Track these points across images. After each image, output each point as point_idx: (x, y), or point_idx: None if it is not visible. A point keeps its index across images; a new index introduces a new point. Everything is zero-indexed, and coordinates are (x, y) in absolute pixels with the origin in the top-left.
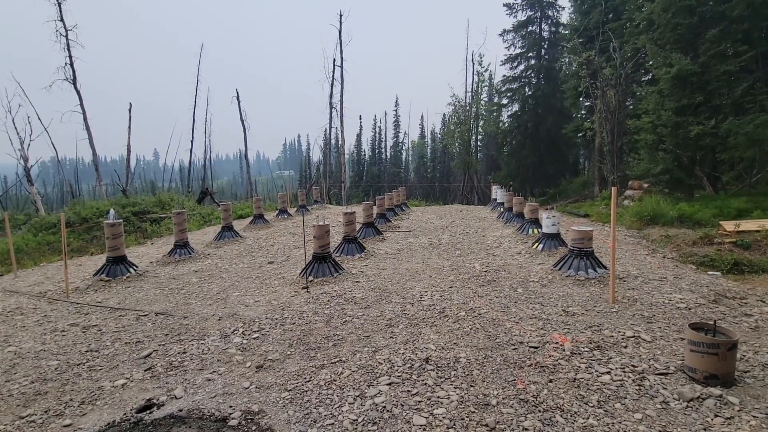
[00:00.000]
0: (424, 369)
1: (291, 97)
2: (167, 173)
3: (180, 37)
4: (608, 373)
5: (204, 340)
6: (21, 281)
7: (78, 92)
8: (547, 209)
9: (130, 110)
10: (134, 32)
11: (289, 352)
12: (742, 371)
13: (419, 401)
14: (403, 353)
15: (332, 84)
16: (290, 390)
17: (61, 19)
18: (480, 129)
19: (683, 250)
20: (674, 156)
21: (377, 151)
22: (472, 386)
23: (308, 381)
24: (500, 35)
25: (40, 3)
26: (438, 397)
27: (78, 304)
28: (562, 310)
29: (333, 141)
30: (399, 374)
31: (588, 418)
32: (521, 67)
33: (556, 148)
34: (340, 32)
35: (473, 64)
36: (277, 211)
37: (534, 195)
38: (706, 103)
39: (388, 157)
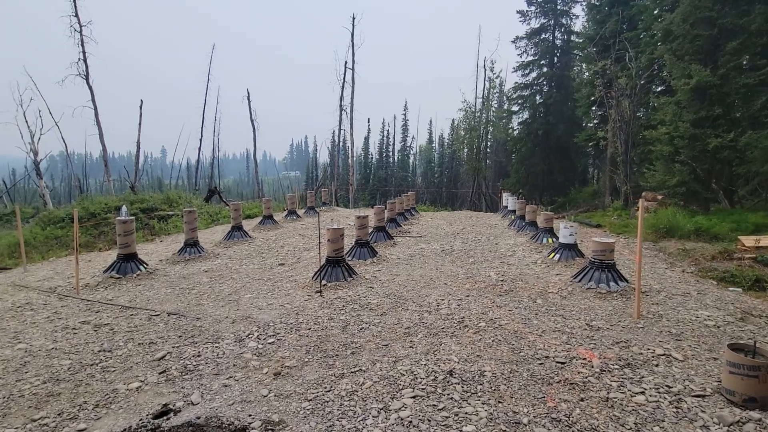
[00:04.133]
0: (448, 382)
1: (300, 98)
2: (175, 171)
3: (190, 39)
4: (642, 393)
5: (218, 343)
6: (30, 276)
7: (90, 88)
8: (556, 218)
9: (141, 107)
10: (144, 31)
11: (306, 359)
12: None
13: (446, 417)
14: (425, 364)
15: (343, 86)
16: (311, 400)
17: (76, 15)
18: (489, 135)
19: (702, 265)
20: (691, 168)
21: (384, 154)
22: (500, 402)
23: (329, 391)
24: (513, 42)
25: None
26: (466, 413)
27: (88, 301)
28: (586, 324)
29: (341, 143)
30: (423, 387)
31: None
32: (533, 74)
33: (565, 156)
34: (352, 35)
35: (485, 70)
36: (285, 212)
37: (543, 203)
38: (725, 116)
39: (396, 160)
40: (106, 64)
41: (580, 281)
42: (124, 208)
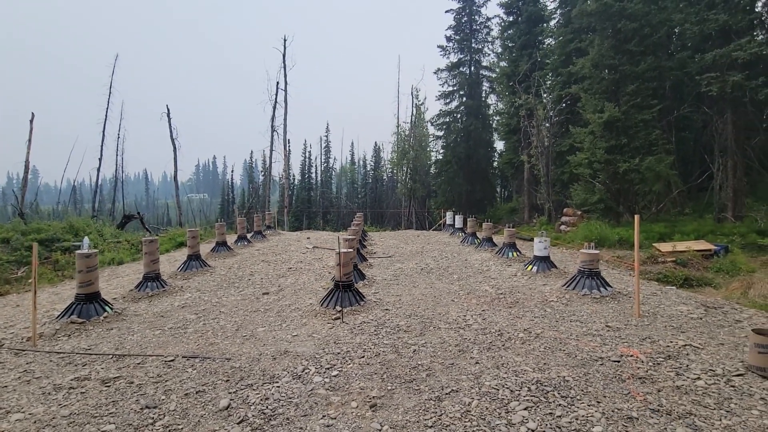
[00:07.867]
0: (544, 391)
1: (207, 116)
2: (57, 194)
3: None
4: (699, 378)
5: (277, 382)
6: None
7: None
8: (495, 232)
9: (32, 121)
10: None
11: (388, 387)
12: None
13: (569, 422)
14: (507, 377)
15: (275, 107)
16: (432, 426)
17: None
18: (417, 158)
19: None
20: (607, 188)
21: (306, 176)
22: (600, 402)
23: (441, 415)
24: (435, 73)
25: None
26: (582, 415)
27: (59, 353)
28: (605, 326)
29: (261, 163)
30: (527, 398)
31: (721, 419)
32: (454, 103)
33: (484, 177)
34: (284, 56)
35: (412, 97)
36: (236, 237)
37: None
38: (629, 145)
39: (319, 182)
40: None
41: (574, 289)
42: (86, 240)
